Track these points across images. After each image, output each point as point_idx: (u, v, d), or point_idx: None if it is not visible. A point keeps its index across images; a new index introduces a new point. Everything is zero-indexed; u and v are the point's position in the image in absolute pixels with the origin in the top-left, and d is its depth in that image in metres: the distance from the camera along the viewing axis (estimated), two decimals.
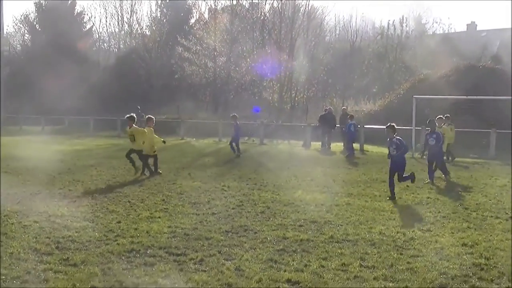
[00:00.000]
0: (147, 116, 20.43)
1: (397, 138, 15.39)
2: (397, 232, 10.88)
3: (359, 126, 31.09)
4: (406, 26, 59.57)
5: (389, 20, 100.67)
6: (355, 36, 64.27)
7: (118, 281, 7.58)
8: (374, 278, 8.03)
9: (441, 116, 22.42)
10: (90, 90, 62.49)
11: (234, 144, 26.88)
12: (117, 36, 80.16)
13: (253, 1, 57.94)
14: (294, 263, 8.69)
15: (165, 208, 13.09)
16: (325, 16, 65.80)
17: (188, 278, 7.81)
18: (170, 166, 21.57)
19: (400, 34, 58.60)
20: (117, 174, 18.66)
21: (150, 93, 62.02)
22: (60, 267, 8.16)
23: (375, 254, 9.29)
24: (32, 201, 13.59)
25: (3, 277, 7.67)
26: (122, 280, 7.62)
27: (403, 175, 15.61)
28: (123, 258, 8.77)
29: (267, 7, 58.64)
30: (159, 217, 12.02)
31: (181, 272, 8.11)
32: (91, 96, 58.70)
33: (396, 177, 15.31)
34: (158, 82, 63.60)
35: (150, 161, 19.08)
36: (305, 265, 8.58)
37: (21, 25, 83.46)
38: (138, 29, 77.16)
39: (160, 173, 18.92)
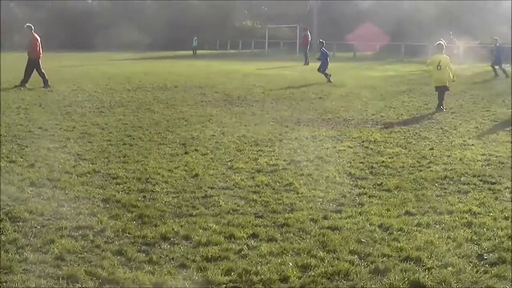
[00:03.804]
0: (437, 43, 17.87)
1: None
2: None
3: None
4: None
5: None
6: None
7: (431, 207, 7.50)
8: None
9: None
10: (402, 15, 62.03)
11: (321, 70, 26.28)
12: None
13: None
14: None
15: (478, 135, 12.64)
16: None
17: (503, 207, 7.47)
18: (482, 92, 20.75)
19: None
20: (428, 100, 18.36)
21: (464, 17, 59.46)
22: (374, 192, 8.31)
23: None
24: (345, 127, 13.99)
25: (320, 198, 8.02)
26: (436, 206, 7.53)
27: None
28: (436, 185, 8.66)
29: None
30: (473, 145, 11.63)
31: (496, 201, 7.78)
32: (402, 21, 58.22)
33: None
34: (473, 6, 60.71)
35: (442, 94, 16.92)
36: None
37: None
38: None
39: (443, 109, 16.58)
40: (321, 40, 29.17)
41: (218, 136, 12.45)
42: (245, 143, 11.76)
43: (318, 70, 26.54)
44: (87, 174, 9.13)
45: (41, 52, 22.15)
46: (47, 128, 13.04)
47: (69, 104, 17.22)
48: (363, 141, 12.06)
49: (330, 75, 25.73)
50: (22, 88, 21.04)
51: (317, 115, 15.82)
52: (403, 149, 11.31)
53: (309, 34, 42.69)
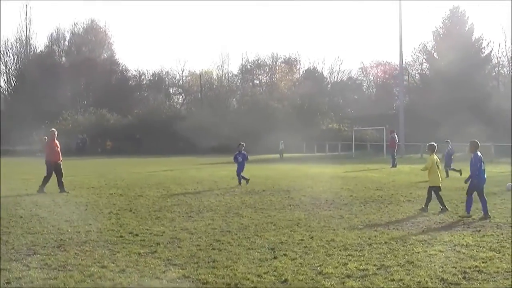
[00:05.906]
0: (429, 144, 18.37)
1: (474, 154, 15.81)
2: None
3: None
4: None
5: None
6: None
7: None
8: None
9: None
10: (488, 116, 61.73)
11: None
12: None
13: None
14: None
15: None
16: None
17: None
18: None
19: None
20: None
21: None
22: None
23: None
24: (436, 230, 13.73)
25: None
26: None
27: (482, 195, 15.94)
28: None
29: None
30: None
31: None
32: (491, 122, 57.79)
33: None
34: None
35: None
36: None
37: (419, 54, 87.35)
38: None
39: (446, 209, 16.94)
40: (241, 143, 28.17)
41: (307, 241, 12.41)
42: (334, 248, 11.67)
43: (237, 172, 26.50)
44: (177, 280, 9.23)
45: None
46: (138, 233, 13.33)
47: (159, 209, 17.62)
48: (454, 245, 11.77)
49: (249, 179, 26.16)
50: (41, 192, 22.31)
51: (406, 218, 15.60)
52: (497, 253, 10.97)
53: (396, 136, 42.47)
